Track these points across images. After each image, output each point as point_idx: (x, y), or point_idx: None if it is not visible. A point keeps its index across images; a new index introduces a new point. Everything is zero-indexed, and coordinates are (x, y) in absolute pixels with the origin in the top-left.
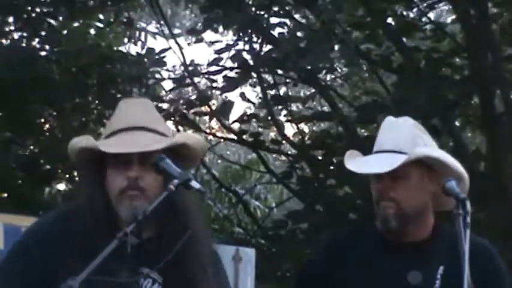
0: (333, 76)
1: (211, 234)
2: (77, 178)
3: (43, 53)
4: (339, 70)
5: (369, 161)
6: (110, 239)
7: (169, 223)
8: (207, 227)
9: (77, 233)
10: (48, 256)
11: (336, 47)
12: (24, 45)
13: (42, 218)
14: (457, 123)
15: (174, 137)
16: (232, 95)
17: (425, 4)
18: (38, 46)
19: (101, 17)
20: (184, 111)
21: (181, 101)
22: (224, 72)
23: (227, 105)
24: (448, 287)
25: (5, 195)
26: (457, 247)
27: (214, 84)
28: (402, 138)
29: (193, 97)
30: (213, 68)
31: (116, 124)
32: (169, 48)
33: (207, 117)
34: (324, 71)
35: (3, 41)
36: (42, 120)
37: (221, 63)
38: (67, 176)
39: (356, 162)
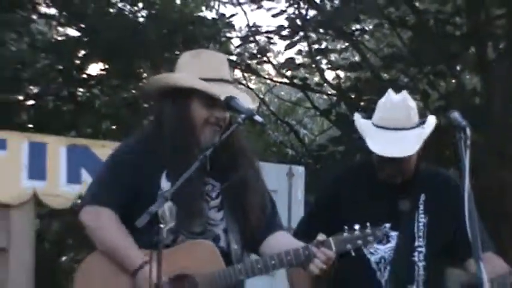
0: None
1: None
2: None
3: (141, 19)
4: (367, 28)
5: (388, 139)
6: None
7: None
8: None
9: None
10: (138, 169)
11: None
12: (126, 13)
13: (127, 140)
14: (458, 68)
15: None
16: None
17: None
18: (138, 14)
19: None
20: (249, 61)
21: (246, 54)
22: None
23: (290, 61)
24: (429, 210)
25: (114, 127)
26: (433, 180)
27: (272, 41)
28: (403, 116)
29: (255, 51)
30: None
31: (204, 71)
32: (237, 13)
33: (265, 67)
34: (355, 29)
35: (111, 10)
36: (141, 70)
37: (276, 24)
38: None
39: (376, 142)
